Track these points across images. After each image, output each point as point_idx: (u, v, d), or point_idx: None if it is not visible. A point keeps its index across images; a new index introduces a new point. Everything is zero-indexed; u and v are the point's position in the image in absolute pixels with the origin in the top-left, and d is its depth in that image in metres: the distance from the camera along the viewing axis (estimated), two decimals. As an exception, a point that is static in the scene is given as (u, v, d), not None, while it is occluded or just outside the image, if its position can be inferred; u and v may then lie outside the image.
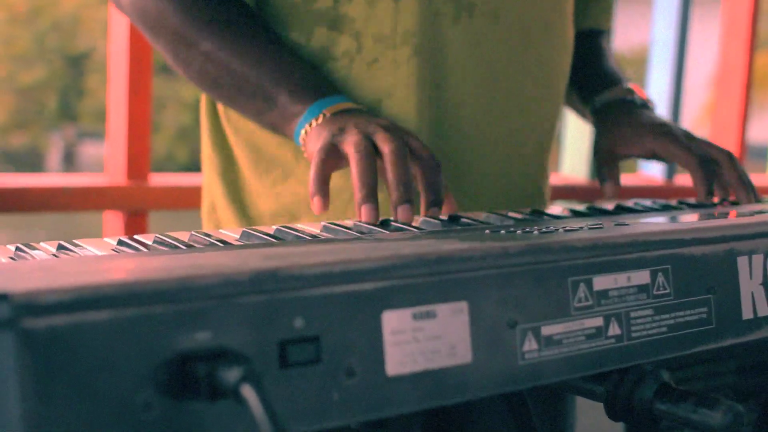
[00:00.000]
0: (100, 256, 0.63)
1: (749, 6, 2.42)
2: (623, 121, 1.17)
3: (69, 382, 0.46)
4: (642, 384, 0.68)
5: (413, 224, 0.83)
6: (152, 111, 1.58)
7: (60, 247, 0.72)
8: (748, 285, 0.75)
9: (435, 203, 0.87)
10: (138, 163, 1.56)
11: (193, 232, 0.76)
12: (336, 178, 0.98)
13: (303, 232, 0.78)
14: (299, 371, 0.52)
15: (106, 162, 1.62)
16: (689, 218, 0.85)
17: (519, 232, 0.72)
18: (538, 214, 0.91)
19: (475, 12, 1.07)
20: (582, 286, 0.65)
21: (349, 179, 1.05)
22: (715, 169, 1.10)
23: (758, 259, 0.76)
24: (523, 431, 0.74)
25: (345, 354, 0.54)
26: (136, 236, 0.76)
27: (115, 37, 1.55)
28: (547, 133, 1.18)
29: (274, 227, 0.80)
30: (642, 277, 0.68)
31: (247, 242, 0.74)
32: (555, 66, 1.17)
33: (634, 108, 1.19)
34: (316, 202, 0.86)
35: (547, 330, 0.63)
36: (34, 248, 0.72)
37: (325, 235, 0.77)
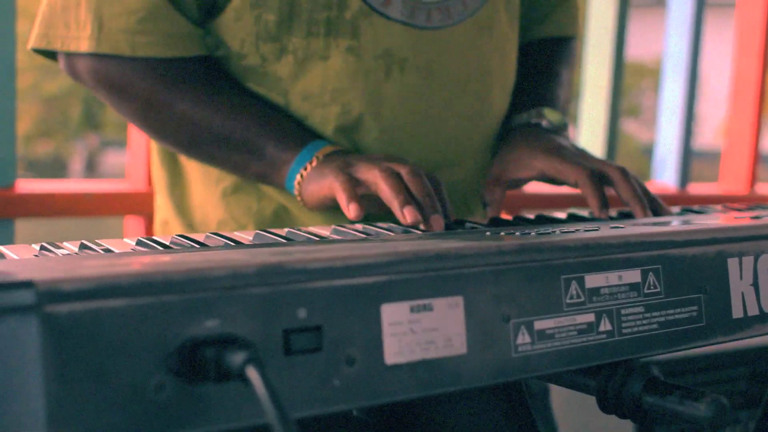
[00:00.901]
0: (119, 253, 0.67)
1: (762, 20, 2.44)
2: (520, 145, 1.11)
3: (87, 365, 0.50)
4: (631, 378, 0.71)
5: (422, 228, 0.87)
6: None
7: (82, 246, 0.76)
8: (739, 285, 0.78)
9: (444, 218, 0.93)
10: (158, 169, 1.61)
11: (208, 234, 0.80)
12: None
13: (313, 234, 0.82)
14: (302, 359, 0.56)
15: (127, 169, 1.66)
16: (680, 221, 0.89)
17: (517, 233, 0.75)
18: (545, 220, 0.95)
19: (406, 67, 1.08)
20: (574, 284, 0.68)
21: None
22: (605, 184, 1.05)
23: (748, 261, 0.79)
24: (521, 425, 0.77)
25: (345, 343, 0.58)
26: (154, 237, 0.80)
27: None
28: (480, 169, 1.18)
29: (286, 229, 0.84)
30: (633, 276, 0.72)
31: (258, 242, 0.78)
32: (493, 107, 1.17)
33: (539, 132, 1.14)
34: (353, 208, 0.91)
35: (539, 324, 0.66)
36: (59, 247, 0.76)
37: (334, 236, 0.81)
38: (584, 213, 1.04)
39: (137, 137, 1.63)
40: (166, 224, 1.20)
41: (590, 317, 0.69)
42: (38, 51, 1.10)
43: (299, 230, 0.85)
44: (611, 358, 0.70)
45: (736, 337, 0.78)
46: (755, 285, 0.80)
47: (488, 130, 1.18)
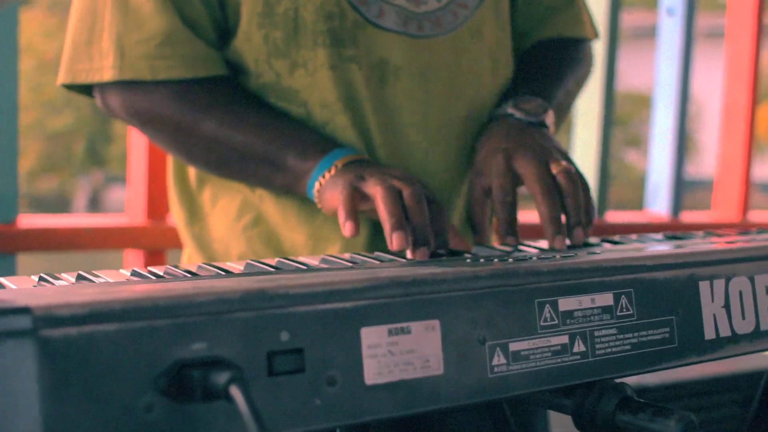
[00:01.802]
0: (112, 282, 0.71)
1: (751, 48, 2.49)
2: (485, 144, 1.10)
3: (81, 385, 0.53)
4: (605, 397, 0.74)
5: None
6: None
7: (79, 277, 0.79)
8: (710, 308, 0.82)
9: (440, 246, 0.97)
10: (157, 204, 1.65)
11: (200, 264, 0.84)
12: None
13: (302, 263, 0.85)
14: (285, 379, 0.59)
15: (126, 203, 1.70)
16: (654, 246, 0.92)
17: (495, 259, 0.78)
18: (529, 247, 0.98)
19: (401, 74, 1.12)
20: (548, 307, 0.71)
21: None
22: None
23: (720, 284, 0.83)
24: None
25: (327, 365, 0.61)
26: (149, 267, 0.84)
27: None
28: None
29: (277, 259, 0.87)
30: (606, 299, 0.75)
31: (250, 271, 0.82)
32: (487, 111, 1.19)
33: (509, 125, 1.11)
34: (348, 227, 0.94)
35: (514, 346, 0.69)
36: (57, 278, 0.80)
37: (321, 265, 0.85)
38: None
39: (136, 172, 1.67)
40: (191, 259, 1.24)
41: (564, 339, 0.72)
42: (71, 88, 1.15)
43: (289, 260, 0.88)
44: (585, 378, 0.73)
45: (708, 358, 0.81)
46: (727, 307, 0.83)
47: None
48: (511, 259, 0.79)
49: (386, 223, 0.92)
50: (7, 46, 1.47)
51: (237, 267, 0.84)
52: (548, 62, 1.27)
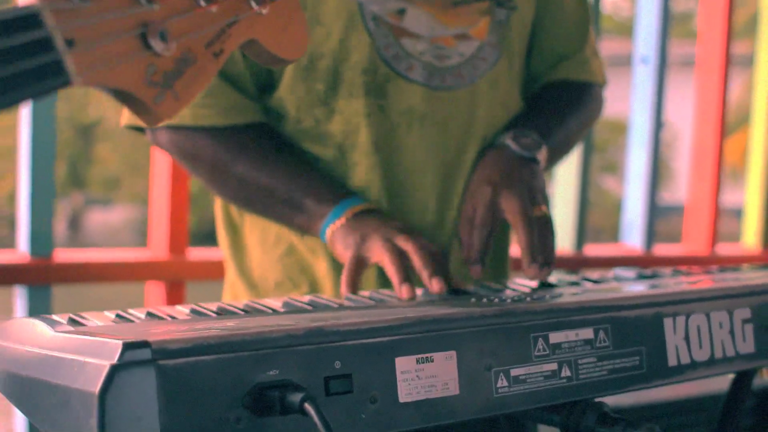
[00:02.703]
0: (200, 319, 0.87)
1: (720, 80, 2.65)
2: (476, 174, 1.27)
3: (188, 403, 0.69)
4: (587, 413, 0.91)
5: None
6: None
7: (149, 314, 0.95)
8: (673, 339, 0.99)
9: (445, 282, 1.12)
10: (178, 239, 1.81)
11: (247, 302, 1.00)
12: None
13: (332, 301, 1.02)
14: (338, 398, 0.76)
15: (149, 238, 1.86)
16: (627, 286, 1.09)
17: (496, 300, 0.95)
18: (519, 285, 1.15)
19: (425, 122, 1.29)
20: (540, 340, 0.88)
21: None
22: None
23: (681, 320, 1.00)
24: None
25: (369, 387, 0.78)
26: (201, 304, 1.00)
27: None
28: None
29: (308, 298, 1.03)
30: (587, 333, 0.92)
31: (290, 309, 0.98)
32: None
33: (500, 156, 1.27)
34: (344, 290, 1.13)
35: (514, 372, 0.86)
36: (129, 314, 0.96)
37: (349, 303, 1.01)
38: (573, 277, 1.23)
39: (158, 209, 1.83)
40: (233, 285, 1.39)
41: (554, 366, 0.89)
42: (130, 127, 1.33)
43: (319, 297, 1.04)
44: (571, 398, 0.90)
45: (672, 381, 0.98)
46: (686, 339, 1.00)
47: None
48: (509, 300, 0.96)
49: (394, 278, 1.09)
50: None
51: (277, 304, 1.01)
52: (552, 102, 1.42)
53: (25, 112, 1.64)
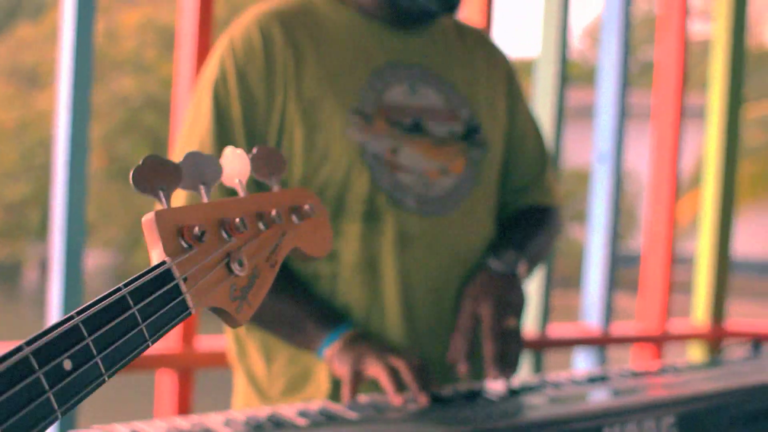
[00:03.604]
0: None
1: (673, 135, 2.89)
2: (465, 290, 1.53)
3: None
4: None
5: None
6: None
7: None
8: (615, 447, 1.24)
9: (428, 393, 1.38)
10: (188, 331, 2.04)
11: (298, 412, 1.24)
12: None
13: (343, 417, 1.26)
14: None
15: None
16: (584, 396, 1.35)
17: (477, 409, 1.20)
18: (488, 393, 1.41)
19: (415, 244, 1.53)
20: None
21: None
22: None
23: (617, 429, 1.25)
24: None
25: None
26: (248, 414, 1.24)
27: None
28: None
29: (320, 406, 1.28)
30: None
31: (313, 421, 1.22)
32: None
33: (483, 275, 1.54)
34: (346, 399, 1.38)
35: (487, 479, 1.11)
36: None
37: (355, 414, 1.26)
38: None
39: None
40: (244, 391, 1.61)
41: (518, 472, 1.14)
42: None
43: (331, 410, 1.29)
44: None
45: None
46: (624, 445, 1.25)
47: None
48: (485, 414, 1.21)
49: (389, 390, 1.35)
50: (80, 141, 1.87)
51: (301, 421, 1.25)
52: (523, 223, 1.71)
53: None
